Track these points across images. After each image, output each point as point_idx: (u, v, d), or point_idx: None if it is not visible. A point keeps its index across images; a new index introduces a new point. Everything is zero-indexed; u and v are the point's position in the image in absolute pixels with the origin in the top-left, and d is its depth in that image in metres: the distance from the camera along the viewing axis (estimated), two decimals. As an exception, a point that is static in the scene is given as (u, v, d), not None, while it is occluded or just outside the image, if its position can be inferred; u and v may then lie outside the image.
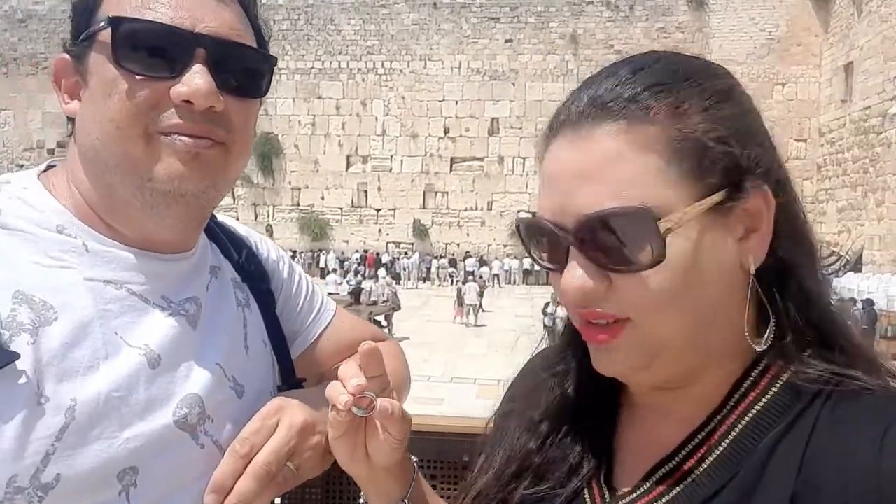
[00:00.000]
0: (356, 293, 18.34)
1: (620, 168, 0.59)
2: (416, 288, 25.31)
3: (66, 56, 0.76)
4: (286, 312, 0.99)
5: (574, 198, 0.61)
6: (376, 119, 31.28)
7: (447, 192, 30.97)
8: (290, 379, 0.96)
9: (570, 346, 0.77)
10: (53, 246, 0.73)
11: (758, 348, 0.62)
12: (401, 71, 31.16)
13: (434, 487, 0.91)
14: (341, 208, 31.57)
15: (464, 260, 28.97)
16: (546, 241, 0.65)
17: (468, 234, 30.85)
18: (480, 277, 24.24)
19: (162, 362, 0.75)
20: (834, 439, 0.56)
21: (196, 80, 0.72)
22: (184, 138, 0.73)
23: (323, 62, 31.43)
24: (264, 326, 0.93)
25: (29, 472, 0.64)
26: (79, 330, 0.70)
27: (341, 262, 29.42)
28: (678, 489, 0.63)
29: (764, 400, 0.62)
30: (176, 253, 0.81)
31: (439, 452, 1.17)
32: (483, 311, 18.97)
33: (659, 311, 0.60)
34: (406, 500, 0.80)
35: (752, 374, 0.64)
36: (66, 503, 0.66)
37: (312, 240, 30.88)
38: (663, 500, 0.63)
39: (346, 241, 31.31)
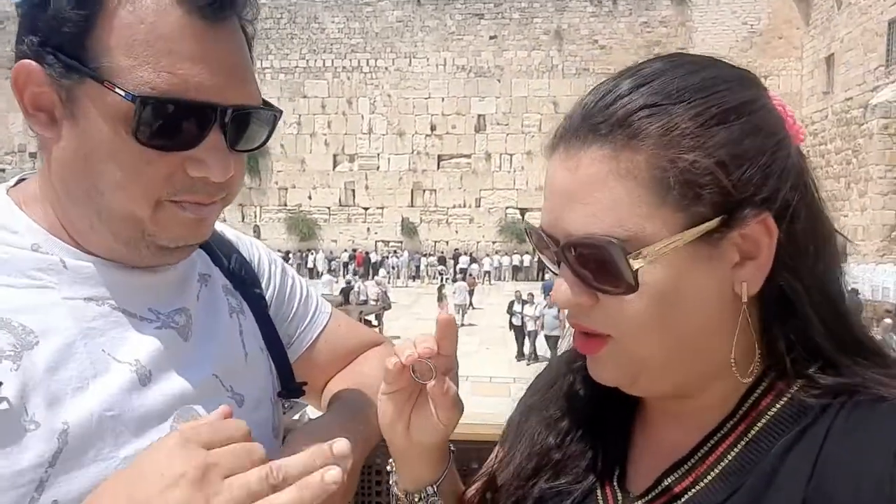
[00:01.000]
0: (346, 293, 18.30)
1: (602, 195, 0.59)
2: (406, 286, 25.28)
3: (34, 66, 0.66)
4: (280, 317, 0.98)
5: (563, 216, 0.62)
6: (362, 117, 31.18)
7: (435, 190, 30.96)
8: (289, 384, 0.95)
9: None
10: (29, 265, 0.70)
11: (742, 380, 0.61)
12: (386, 69, 31.08)
13: None
14: (329, 208, 31.46)
15: (454, 258, 28.97)
16: (545, 247, 0.67)
17: (457, 232, 30.86)
18: (470, 275, 24.22)
19: (153, 377, 0.73)
20: (847, 447, 0.56)
21: (216, 157, 0.69)
22: (195, 207, 0.72)
23: (307, 61, 31.27)
24: (259, 333, 0.91)
25: (24, 501, 0.62)
26: (62, 351, 0.68)
27: (329, 262, 29.32)
28: (689, 494, 0.63)
29: (776, 407, 0.62)
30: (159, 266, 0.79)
31: (464, 461, 1.17)
32: (473, 308, 18.96)
33: (638, 334, 0.61)
34: (434, 487, 0.77)
35: (763, 383, 0.63)
36: None
37: (300, 240, 30.75)
38: (675, 503, 0.64)
39: (335, 241, 31.21)
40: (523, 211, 30.08)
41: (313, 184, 31.35)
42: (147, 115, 0.65)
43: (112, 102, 0.65)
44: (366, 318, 15.04)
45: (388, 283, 22.60)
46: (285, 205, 31.49)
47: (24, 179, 0.80)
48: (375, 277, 21.83)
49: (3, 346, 0.65)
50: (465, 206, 30.87)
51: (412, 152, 30.92)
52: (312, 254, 29.73)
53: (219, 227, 0.96)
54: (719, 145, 0.58)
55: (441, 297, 18.48)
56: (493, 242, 30.34)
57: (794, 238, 0.60)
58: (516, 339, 14.69)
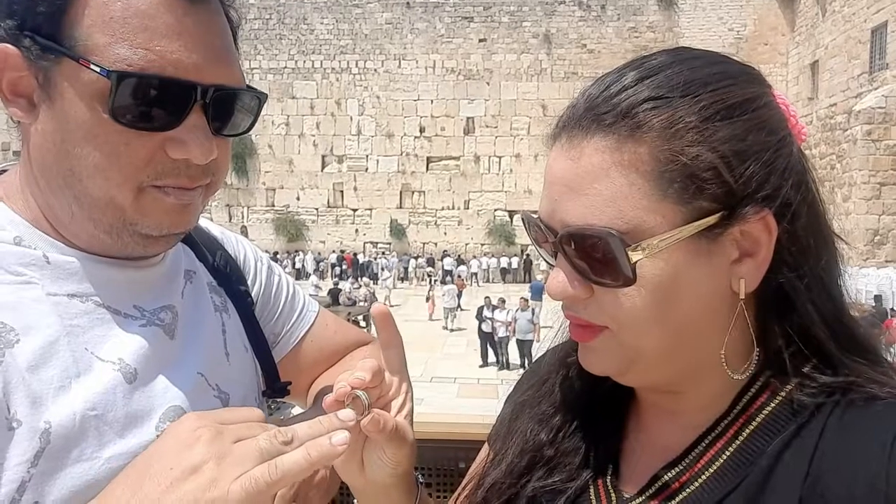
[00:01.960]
0: (334, 294, 18.22)
1: (604, 186, 0.58)
2: (395, 288, 25.21)
3: (11, 49, 0.65)
4: (266, 315, 0.96)
5: (561, 207, 0.61)
6: (351, 119, 31.07)
7: (424, 192, 30.91)
8: (274, 383, 0.93)
9: None
10: (11, 259, 0.69)
11: (735, 376, 0.61)
12: (375, 70, 31.00)
13: (429, 495, 0.89)
14: (317, 209, 31.30)
15: (441, 259, 28.95)
16: (542, 238, 0.66)
17: (445, 234, 30.83)
18: (459, 277, 24.16)
19: (139, 376, 0.72)
20: (842, 445, 0.56)
21: (197, 138, 0.68)
22: (178, 192, 0.70)
23: (296, 61, 31.13)
24: (244, 331, 0.90)
25: (5, 502, 0.61)
26: (45, 349, 0.66)
27: (318, 263, 29.18)
28: (684, 494, 0.62)
29: (771, 405, 0.62)
30: (143, 259, 0.77)
31: (434, 460, 1.16)
32: (461, 310, 18.94)
33: (634, 326, 0.61)
34: None
35: (758, 382, 0.63)
36: None
37: (288, 240, 30.57)
38: (669, 503, 0.63)
39: (323, 242, 31.06)
40: (511, 213, 30.11)
41: (301, 185, 31.18)
42: (124, 92, 0.64)
43: (88, 81, 0.64)
44: (353, 318, 14.98)
45: (391, 284, 22.35)
46: (273, 205, 31.28)
47: (2, 172, 0.78)
48: (387, 280, 21.91)
49: None
50: (453, 208, 30.85)
51: (401, 154, 30.86)
52: (300, 255, 29.57)
53: (204, 223, 0.95)
54: (723, 140, 0.57)
55: (427, 298, 18.46)
56: (482, 244, 30.33)
57: (795, 236, 0.60)
58: (481, 345, 14.29)
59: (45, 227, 0.72)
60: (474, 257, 29.33)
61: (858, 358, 0.61)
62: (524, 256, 29.51)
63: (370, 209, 31.18)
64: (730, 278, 0.60)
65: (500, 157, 30.39)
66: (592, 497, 0.69)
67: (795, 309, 0.61)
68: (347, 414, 0.63)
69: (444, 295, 18.39)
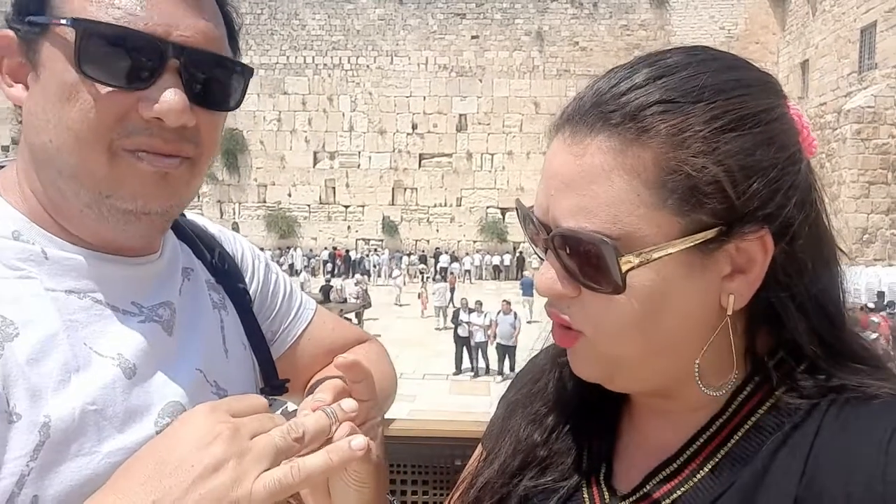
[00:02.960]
0: (326, 291, 18.18)
1: (603, 189, 0.56)
2: (387, 285, 25.19)
3: (10, 33, 0.67)
4: (264, 313, 0.96)
5: (557, 203, 0.59)
6: (343, 115, 30.97)
7: (416, 189, 30.87)
8: (272, 380, 0.93)
9: None
10: (10, 254, 0.68)
11: (709, 392, 0.60)
12: (367, 67, 30.90)
13: (426, 493, 0.89)
14: (309, 205, 31.20)
15: (434, 256, 28.94)
16: (535, 233, 0.65)
17: (438, 231, 30.82)
18: (451, 273, 24.12)
19: (138, 371, 0.71)
20: (838, 444, 0.55)
21: (168, 95, 0.66)
22: (152, 157, 0.68)
23: (288, 57, 30.98)
24: (242, 328, 0.90)
25: (3, 496, 0.60)
26: (44, 344, 0.66)
27: (308, 260, 29.11)
28: (678, 493, 0.62)
29: (765, 406, 0.61)
30: (141, 256, 0.77)
31: (430, 457, 1.16)
32: (454, 307, 18.94)
33: (614, 335, 0.60)
34: None
35: (752, 381, 0.62)
36: None
37: (280, 237, 30.46)
38: (663, 503, 0.63)
39: (315, 239, 30.97)
40: (504, 210, 30.14)
41: (293, 181, 31.06)
42: (88, 43, 0.64)
43: (61, 40, 0.65)
44: (346, 315, 14.97)
45: (401, 283, 22.02)
46: (265, 202, 31.15)
47: (1, 167, 0.78)
48: (398, 277, 21.88)
49: None
50: (445, 205, 30.83)
51: (393, 150, 30.80)
52: (290, 251, 29.47)
53: (201, 221, 0.95)
54: (730, 153, 0.55)
55: (418, 296, 18.41)
56: (474, 242, 30.34)
57: (792, 256, 0.58)
58: (456, 351, 13.45)
59: (43, 219, 0.72)
60: (467, 254, 29.35)
61: (857, 365, 0.60)
62: (517, 254, 29.57)
63: (362, 206, 31.12)
64: (719, 293, 0.59)
65: (492, 155, 30.39)
66: (585, 496, 0.69)
67: (784, 326, 0.60)
68: (350, 404, 0.65)
69: (434, 293, 18.29)
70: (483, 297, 19.57)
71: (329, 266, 28.34)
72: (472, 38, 30.58)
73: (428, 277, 25.13)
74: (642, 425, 0.70)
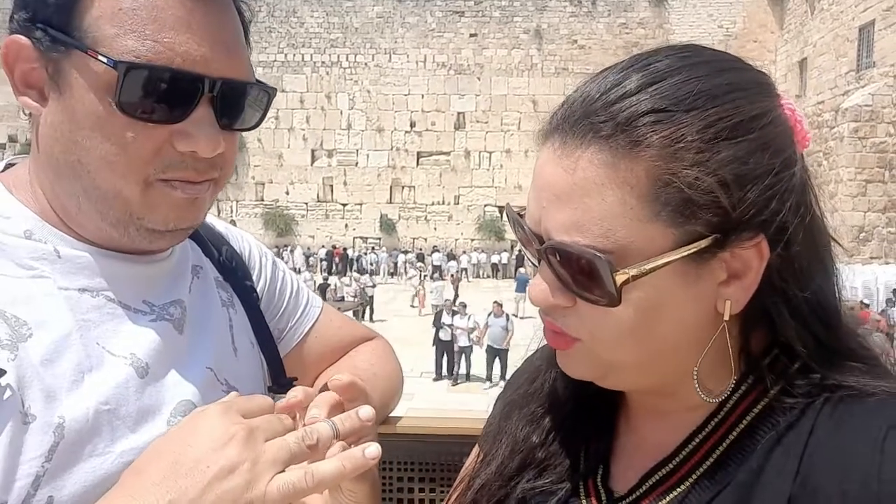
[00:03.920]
0: (322, 290, 18.18)
1: (596, 203, 0.55)
2: (385, 283, 25.18)
3: (23, 40, 0.66)
4: (271, 310, 0.96)
5: (549, 216, 0.59)
6: (341, 113, 30.95)
7: (414, 187, 30.87)
8: (280, 378, 0.93)
9: None
10: (23, 254, 0.68)
11: (708, 399, 0.60)
12: (365, 64, 30.88)
13: (433, 491, 0.88)
14: (306, 203, 31.18)
15: (432, 254, 28.95)
16: (526, 239, 0.64)
17: (435, 229, 30.82)
18: (452, 274, 23.80)
19: (150, 370, 0.71)
20: (833, 443, 0.55)
21: (204, 131, 0.67)
22: (185, 185, 0.69)
23: (286, 55, 30.93)
24: (250, 326, 0.90)
25: (20, 497, 0.60)
26: (58, 344, 0.66)
27: (307, 258, 29.09)
28: (675, 493, 0.62)
29: (760, 405, 0.61)
30: (151, 254, 0.77)
31: (438, 454, 1.16)
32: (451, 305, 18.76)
33: (611, 342, 0.60)
34: None
35: (747, 380, 0.62)
36: None
37: (277, 235, 30.44)
38: (660, 503, 0.63)
39: (312, 237, 30.96)
40: (501, 209, 30.12)
41: (291, 179, 31.04)
42: (130, 83, 0.64)
43: (97, 72, 0.64)
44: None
45: (416, 283, 21.20)
46: (262, 200, 31.13)
47: (12, 165, 0.77)
48: (353, 273, 21.60)
49: (1, 336, 0.63)
50: (443, 203, 30.84)
51: (391, 149, 30.79)
52: (288, 250, 29.44)
53: (208, 218, 0.94)
54: (724, 163, 0.54)
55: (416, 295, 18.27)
56: (472, 240, 30.35)
57: (788, 260, 0.58)
58: (436, 356, 12.57)
59: (54, 219, 0.71)
60: (464, 252, 29.36)
61: (854, 365, 0.60)
62: (515, 252, 29.58)
63: (360, 204, 31.11)
64: (715, 299, 0.58)
65: (490, 153, 30.40)
66: (583, 497, 0.69)
67: (779, 329, 0.60)
68: (367, 413, 0.65)
69: (432, 292, 18.19)
70: (481, 296, 19.57)
71: (325, 264, 28.29)
72: (471, 35, 30.56)
73: (425, 276, 25.12)
74: (639, 426, 0.70)
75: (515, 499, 0.72)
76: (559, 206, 0.58)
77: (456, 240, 30.57)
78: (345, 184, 31.07)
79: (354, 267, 27.65)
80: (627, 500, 0.65)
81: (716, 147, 0.54)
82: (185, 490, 0.53)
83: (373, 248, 30.09)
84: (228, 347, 0.84)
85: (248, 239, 1.00)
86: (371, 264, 28.21)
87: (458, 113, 30.60)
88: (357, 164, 31.00)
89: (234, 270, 0.91)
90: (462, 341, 12.30)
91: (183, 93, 0.66)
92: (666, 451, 0.64)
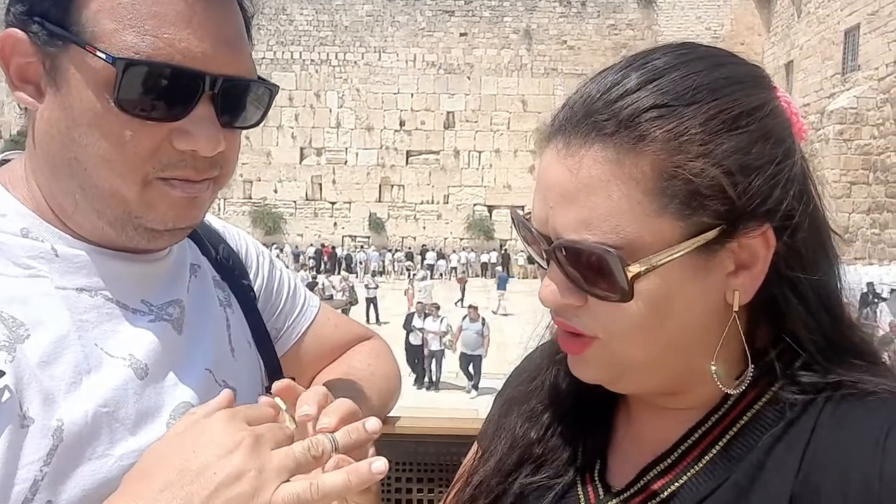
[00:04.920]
0: (310, 288, 18.11)
1: (602, 200, 0.56)
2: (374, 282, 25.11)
3: (18, 34, 0.64)
4: (268, 310, 0.95)
5: (556, 216, 0.59)
6: (330, 111, 30.84)
7: (403, 186, 30.83)
8: (277, 378, 0.92)
9: None
10: (19, 252, 0.67)
11: (727, 390, 0.60)
12: (355, 63, 30.79)
13: (431, 491, 0.88)
14: (295, 201, 31.05)
15: (421, 254, 28.92)
16: (532, 240, 0.64)
17: (424, 228, 30.81)
18: (461, 275, 22.70)
19: (150, 372, 0.70)
20: (834, 440, 0.55)
21: (206, 130, 0.66)
22: (184, 184, 0.68)
23: (275, 52, 30.77)
24: (247, 326, 0.89)
25: (17, 503, 0.59)
26: (56, 345, 0.64)
27: (297, 257, 28.96)
28: (673, 488, 0.62)
29: (761, 402, 0.61)
30: (149, 253, 0.75)
31: (437, 455, 1.16)
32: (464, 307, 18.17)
33: (626, 338, 0.60)
34: None
35: (748, 378, 0.61)
36: None
37: (265, 233, 30.26)
38: (658, 498, 0.62)
39: (301, 235, 30.83)
40: (491, 208, 30.21)
41: (279, 177, 30.88)
42: (129, 80, 0.62)
43: (95, 68, 0.63)
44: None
45: (430, 285, 19.63)
46: (250, 198, 30.95)
47: (6, 161, 0.76)
48: (342, 272, 21.37)
49: None
50: (433, 202, 30.83)
51: (380, 147, 30.72)
52: (276, 248, 29.28)
53: (206, 216, 0.93)
54: (728, 153, 0.55)
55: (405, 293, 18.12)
56: (461, 239, 30.37)
57: (794, 248, 0.59)
58: (408, 361, 11.62)
59: (50, 217, 0.70)
60: (453, 251, 29.36)
61: (855, 361, 0.60)
62: (503, 251, 29.63)
63: (349, 202, 31.03)
64: (724, 291, 0.59)
65: (479, 152, 30.42)
66: (580, 492, 0.69)
67: (786, 319, 0.60)
68: (374, 425, 0.64)
69: (420, 291, 18.04)
70: (470, 295, 19.55)
71: (312, 262, 28.15)
72: (461, 35, 30.57)
73: (414, 274, 25.07)
74: (638, 421, 0.70)
75: (513, 494, 0.72)
76: (566, 205, 0.58)
77: (445, 239, 30.57)
78: (334, 182, 30.96)
79: (343, 265, 27.55)
80: (625, 495, 0.65)
81: (719, 138, 0.55)
82: (191, 496, 0.52)
83: (362, 247, 30.02)
84: (226, 348, 0.83)
85: (245, 237, 0.98)
86: (360, 263, 28.14)
87: (448, 112, 30.59)
88: (346, 162, 30.91)
89: (231, 269, 0.90)
90: (433, 345, 11.60)
91: (183, 90, 0.65)
92: (664, 446, 0.64)
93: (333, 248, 29.87)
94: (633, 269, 0.55)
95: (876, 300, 12.52)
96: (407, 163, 30.82)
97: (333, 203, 31.08)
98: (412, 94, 30.69)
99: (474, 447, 0.85)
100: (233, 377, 0.81)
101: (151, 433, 0.68)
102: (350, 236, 31.03)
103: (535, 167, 30.23)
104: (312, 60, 30.86)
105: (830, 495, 0.52)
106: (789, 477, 0.55)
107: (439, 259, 27.79)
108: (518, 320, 13.37)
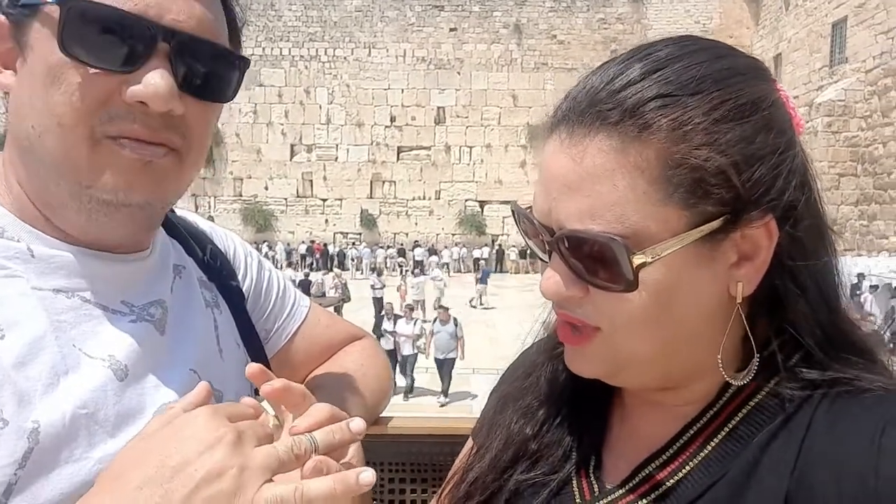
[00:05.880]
0: (304, 286, 18.06)
1: (607, 189, 0.56)
2: (367, 279, 25.07)
3: (1, 17, 0.64)
4: (258, 311, 0.94)
5: (559, 206, 0.58)
6: (320, 107, 30.72)
7: (394, 182, 30.78)
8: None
9: None
10: None
11: (735, 382, 0.60)
12: (345, 58, 30.66)
13: (424, 492, 0.87)
14: (286, 198, 30.92)
15: (413, 249, 28.88)
16: (534, 232, 0.64)
17: (416, 224, 30.78)
18: (480, 277, 22.22)
19: (130, 373, 0.69)
20: (830, 438, 0.55)
21: (155, 79, 0.63)
22: (134, 144, 0.64)
23: (263, 49, 30.58)
24: (236, 327, 0.87)
25: None
26: (31, 346, 0.63)
27: (289, 254, 28.85)
28: (669, 484, 0.61)
29: (757, 398, 0.61)
30: (130, 253, 0.74)
31: (430, 455, 1.15)
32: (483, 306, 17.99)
33: (629, 329, 0.59)
34: None
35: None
36: None
37: (256, 231, 30.15)
38: (653, 495, 0.62)
39: (292, 232, 30.73)
40: (482, 203, 30.22)
41: (270, 174, 30.74)
42: (72, 20, 0.61)
43: (48, 19, 0.62)
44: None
45: (445, 283, 18.86)
46: (240, 195, 30.81)
47: None
48: (335, 269, 21.33)
49: None
50: (424, 198, 30.80)
51: (371, 143, 30.64)
52: (268, 247, 29.16)
53: (191, 217, 0.92)
54: (732, 143, 0.55)
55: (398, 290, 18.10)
56: (453, 234, 30.38)
57: (796, 239, 0.59)
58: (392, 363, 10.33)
59: (29, 214, 0.68)
60: (445, 247, 29.35)
61: (851, 357, 0.60)
62: (495, 247, 29.66)
63: (340, 199, 30.94)
64: (727, 282, 0.58)
65: (470, 147, 30.41)
66: (575, 489, 0.68)
67: (786, 310, 0.60)
68: (358, 426, 0.63)
69: (413, 287, 17.63)
70: (463, 291, 19.54)
71: (309, 260, 28.07)
72: (451, 30, 30.50)
73: (406, 270, 25.05)
74: (633, 417, 0.70)
75: (509, 491, 0.71)
76: (570, 195, 0.58)
77: (437, 235, 30.56)
78: (324, 179, 30.86)
79: (335, 262, 27.48)
80: (620, 491, 0.65)
81: (723, 128, 0.55)
82: (170, 494, 0.51)
83: (353, 244, 29.95)
84: (214, 349, 0.82)
85: (232, 238, 0.97)
86: (352, 260, 28.08)
87: (438, 108, 30.54)
88: (337, 158, 30.81)
89: (218, 270, 0.88)
90: (405, 349, 10.62)
91: (135, 40, 0.62)
92: (660, 442, 0.64)
93: (325, 245, 29.78)
94: (639, 258, 0.55)
95: (858, 292, 12.62)
96: (398, 159, 30.76)
97: (325, 200, 30.99)
98: (402, 90, 30.61)
99: (469, 443, 0.85)
100: (220, 378, 0.80)
101: (132, 435, 0.66)
102: (342, 233, 30.96)
103: (526, 162, 30.54)
104: (302, 56, 30.71)
105: (826, 492, 0.52)
106: (785, 474, 0.55)
107: (431, 255, 27.76)
108: (505, 315, 13.26)
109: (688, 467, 0.61)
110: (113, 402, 0.67)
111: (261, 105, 30.41)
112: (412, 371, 10.75)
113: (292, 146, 30.82)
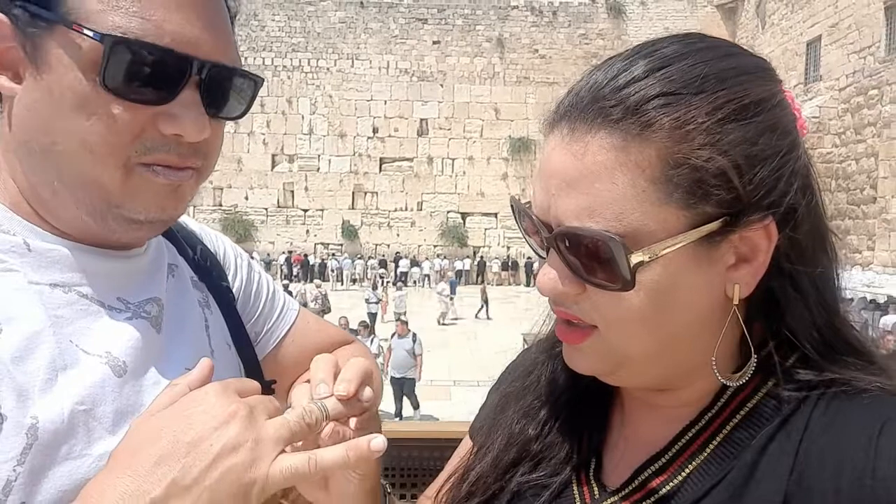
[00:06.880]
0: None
1: (607, 187, 0.55)
2: (347, 290, 24.94)
3: (2, 16, 0.63)
4: (248, 313, 0.94)
5: (558, 202, 0.58)
6: (303, 118, 30.65)
7: (376, 193, 30.75)
8: (259, 381, 0.90)
9: None
10: None
11: (729, 384, 0.60)
12: (328, 69, 30.69)
13: (414, 497, 0.86)
14: (266, 209, 30.71)
15: (395, 261, 28.82)
16: (533, 229, 0.63)
17: (398, 235, 30.75)
18: (484, 281, 22.08)
19: (128, 369, 0.68)
20: (828, 439, 0.55)
21: (190, 113, 0.65)
22: (167, 171, 0.66)
23: (246, 58, 30.46)
24: (227, 327, 0.87)
25: None
26: (29, 340, 0.62)
27: (267, 265, 28.61)
28: (668, 487, 0.61)
29: (755, 399, 0.61)
30: (126, 249, 0.73)
31: (422, 460, 1.15)
32: (489, 319, 17.86)
33: (625, 328, 0.59)
34: None
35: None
36: None
37: (236, 241, 28.95)
38: (652, 498, 0.62)
39: (272, 243, 30.49)
40: (464, 215, 30.30)
41: (250, 184, 30.53)
42: (116, 59, 0.61)
43: (81, 47, 0.61)
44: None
45: (448, 300, 19.08)
46: (220, 205, 30.52)
47: None
48: (314, 280, 21.25)
49: None
50: (406, 209, 30.80)
51: (353, 154, 30.62)
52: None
53: (182, 218, 0.91)
54: (734, 143, 0.54)
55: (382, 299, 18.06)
56: (435, 246, 30.38)
57: (796, 243, 0.58)
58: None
59: (25, 210, 0.68)
60: (426, 259, 29.33)
61: (849, 359, 0.60)
62: (477, 259, 29.71)
63: (321, 210, 30.81)
64: (725, 284, 0.58)
65: (453, 160, 30.53)
66: (575, 491, 0.68)
67: (784, 313, 0.60)
68: (368, 394, 0.65)
69: (395, 300, 17.65)
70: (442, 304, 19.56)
71: (286, 270, 27.87)
72: (434, 43, 30.70)
73: (388, 282, 24.97)
74: (633, 420, 0.70)
75: (510, 492, 0.71)
76: (569, 192, 0.57)
77: (419, 246, 30.55)
78: (306, 189, 30.73)
79: (316, 273, 27.31)
80: (620, 495, 0.64)
81: (726, 128, 0.54)
82: (188, 468, 0.52)
83: (333, 255, 29.79)
84: (206, 348, 0.81)
85: (222, 239, 0.97)
86: (332, 270, 27.91)
87: (421, 119, 30.65)
88: (318, 169, 30.71)
89: (209, 271, 0.88)
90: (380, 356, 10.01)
91: (171, 73, 0.64)
92: (658, 445, 0.64)
93: (305, 255, 29.59)
94: (636, 257, 0.55)
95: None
96: (380, 170, 30.75)
97: (306, 210, 30.83)
98: (385, 102, 30.67)
99: (467, 442, 0.84)
100: (212, 378, 0.79)
101: None
102: (323, 244, 30.79)
103: (507, 174, 30.75)
104: (284, 66, 30.66)
105: (824, 494, 0.52)
106: (783, 476, 0.55)
107: (413, 266, 27.71)
108: (487, 326, 13.28)
109: (686, 471, 0.61)
110: (111, 398, 0.66)
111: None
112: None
113: (273, 156, 30.67)
